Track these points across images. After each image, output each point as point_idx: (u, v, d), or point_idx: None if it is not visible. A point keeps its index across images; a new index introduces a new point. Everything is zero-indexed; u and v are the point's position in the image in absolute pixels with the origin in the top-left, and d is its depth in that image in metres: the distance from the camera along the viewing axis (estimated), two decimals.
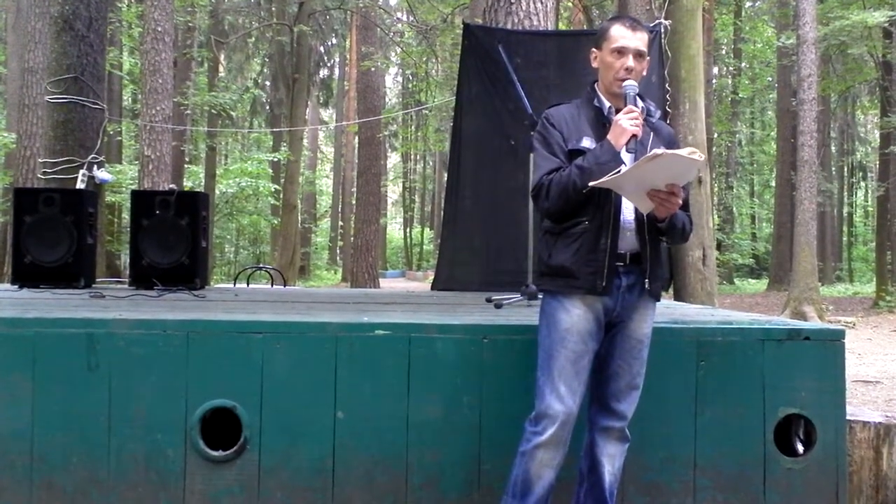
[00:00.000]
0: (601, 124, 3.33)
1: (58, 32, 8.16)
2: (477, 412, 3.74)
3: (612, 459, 3.38)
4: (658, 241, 3.36)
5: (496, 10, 7.53)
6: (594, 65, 3.45)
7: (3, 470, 3.67)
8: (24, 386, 3.68)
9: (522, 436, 3.33)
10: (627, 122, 3.15)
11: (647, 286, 3.31)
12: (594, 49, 3.44)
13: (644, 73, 3.38)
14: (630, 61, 3.28)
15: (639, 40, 3.31)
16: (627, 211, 3.28)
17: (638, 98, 3.32)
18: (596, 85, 3.45)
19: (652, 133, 3.36)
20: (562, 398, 3.23)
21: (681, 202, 3.20)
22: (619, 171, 3.06)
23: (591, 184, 3.09)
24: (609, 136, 3.19)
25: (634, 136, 3.16)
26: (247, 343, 3.73)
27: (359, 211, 23.71)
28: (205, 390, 3.70)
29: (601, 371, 3.38)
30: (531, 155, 3.46)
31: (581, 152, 3.25)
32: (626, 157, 3.19)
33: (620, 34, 3.31)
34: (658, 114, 3.48)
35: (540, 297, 3.50)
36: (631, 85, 3.27)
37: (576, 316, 3.26)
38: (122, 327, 3.74)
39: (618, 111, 3.29)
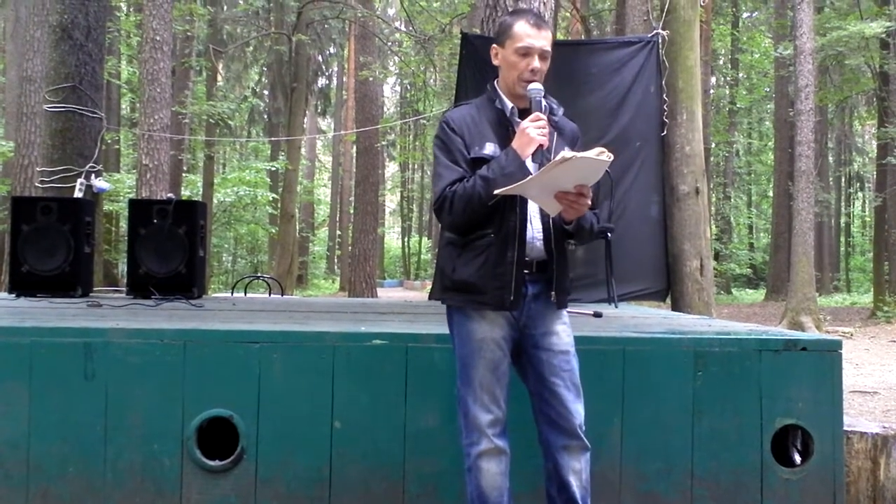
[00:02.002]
0: (504, 127, 3.20)
1: (56, 41, 8.17)
2: None
3: (578, 475, 3.23)
4: (565, 249, 3.25)
5: (494, 20, 7.52)
6: (495, 62, 3.29)
7: None
8: (21, 395, 3.68)
9: (462, 453, 3.25)
10: (535, 132, 3.02)
11: (552, 297, 3.21)
12: (495, 45, 3.28)
13: (545, 71, 3.21)
14: (536, 62, 3.15)
15: (544, 39, 3.17)
16: (535, 219, 3.18)
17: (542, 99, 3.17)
18: (496, 83, 3.31)
19: (556, 134, 3.23)
20: (486, 406, 3.17)
21: (590, 203, 3.06)
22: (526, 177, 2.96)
23: (496, 191, 2.96)
24: (514, 145, 3.06)
25: (541, 146, 3.04)
26: (244, 352, 3.73)
27: (356, 220, 23.72)
28: (202, 400, 3.70)
29: (541, 394, 3.25)
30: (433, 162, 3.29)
31: (484, 160, 3.11)
32: (531, 166, 3.06)
33: (526, 32, 3.16)
34: (561, 111, 3.32)
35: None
36: (537, 89, 3.13)
37: (486, 326, 3.17)
38: (119, 336, 3.73)
39: (521, 112, 3.19)
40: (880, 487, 4.45)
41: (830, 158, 39.31)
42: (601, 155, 2.90)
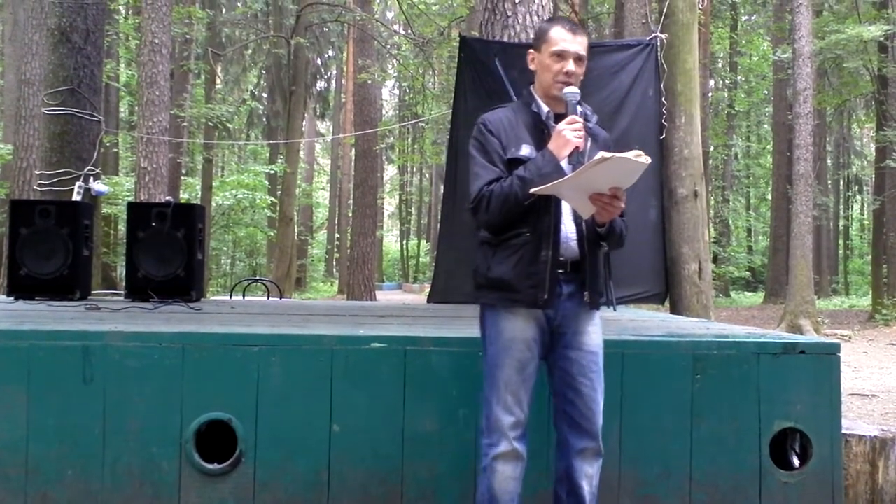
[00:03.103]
0: (539, 129, 3.26)
1: (55, 44, 8.17)
2: (472, 425, 3.73)
3: (590, 480, 3.28)
4: (598, 250, 3.29)
5: (492, 24, 7.54)
6: (531, 67, 3.37)
7: None
8: (19, 398, 3.67)
9: (479, 451, 3.29)
10: (571, 134, 3.09)
11: (585, 297, 3.25)
12: (532, 51, 3.37)
13: (581, 77, 3.29)
14: (570, 65, 3.22)
15: (579, 44, 3.25)
16: (568, 220, 3.23)
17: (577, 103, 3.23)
18: (533, 88, 3.38)
19: (590, 139, 3.27)
20: (509, 408, 3.19)
21: (623, 206, 3.11)
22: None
23: (532, 190, 3.02)
24: (551, 146, 3.12)
25: (577, 147, 3.10)
26: (242, 356, 3.72)
27: (355, 223, 23.71)
28: (200, 403, 3.70)
29: (565, 393, 3.30)
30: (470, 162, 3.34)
31: (520, 161, 3.18)
32: (567, 167, 3.11)
33: (561, 37, 3.24)
34: (595, 118, 3.38)
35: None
36: (573, 92, 3.20)
37: (519, 325, 3.21)
38: (118, 340, 3.73)
39: (557, 116, 3.24)
40: (879, 490, 4.45)
41: (829, 161, 39.36)
42: (639, 157, 2.95)
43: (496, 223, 3.22)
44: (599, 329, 3.36)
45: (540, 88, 3.34)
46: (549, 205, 3.17)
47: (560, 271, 3.20)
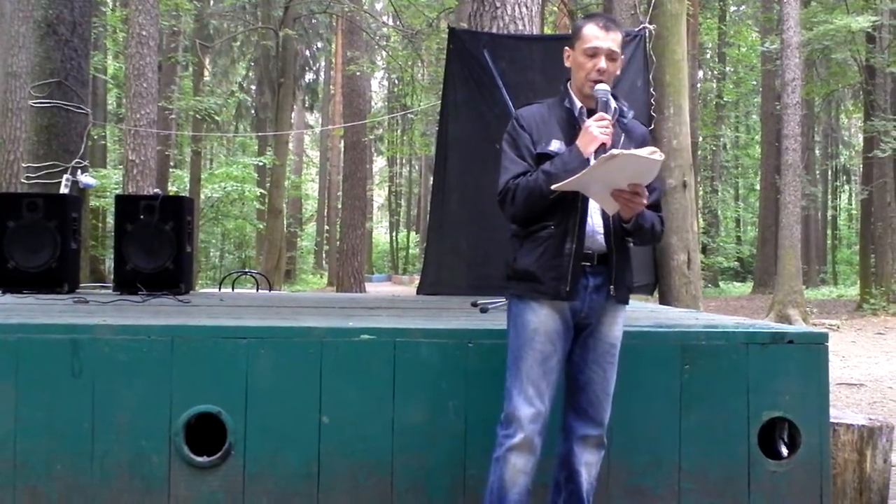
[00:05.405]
0: (571, 126, 3.29)
1: (41, 37, 8.11)
2: (462, 417, 3.74)
3: (589, 468, 3.34)
4: (625, 246, 3.33)
5: (481, 15, 7.53)
6: (567, 64, 3.40)
7: None
8: (7, 392, 3.66)
9: (495, 440, 3.30)
10: (597, 130, 3.12)
11: (611, 291, 3.28)
12: (567, 48, 3.40)
13: (618, 73, 3.34)
14: (602, 62, 3.24)
15: (612, 41, 3.26)
16: (596, 214, 3.26)
17: (611, 98, 3.27)
18: (569, 84, 3.41)
19: (623, 134, 3.30)
20: (530, 399, 3.21)
21: (645, 202, 3.14)
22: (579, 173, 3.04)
23: (553, 186, 3.07)
24: (578, 142, 3.16)
25: (604, 144, 3.12)
26: (232, 348, 3.72)
27: (344, 215, 23.73)
28: (189, 396, 3.69)
29: (576, 378, 3.35)
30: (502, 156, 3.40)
31: (549, 156, 3.23)
32: (594, 163, 3.13)
33: (593, 34, 3.26)
34: (631, 113, 3.42)
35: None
36: (603, 89, 3.22)
37: (543, 316, 3.24)
38: (106, 333, 3.72)
39: (590, 112, 3.27)
40: (867, 479, 4.48)
41: (817, 152, 39.51)
42: (653, 154, 2.99)
43: (521, 216, 3.28)
44: (622, 323, 3.40)
45: (575, 85, 3.36)
46: (577, 200, 3.21)
47: (586, 264, 3.24)
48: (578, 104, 3.34)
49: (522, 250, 3.31)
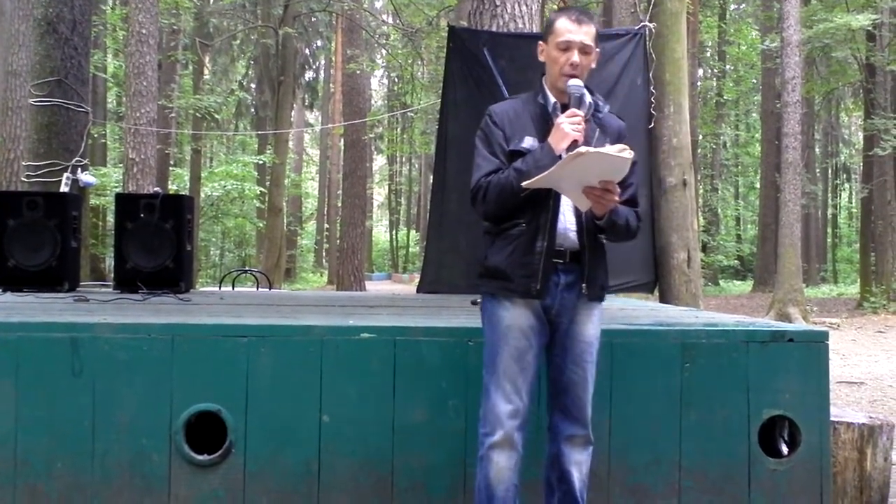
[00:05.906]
0: (545, 122, 3.25)
1: (41, 35, 8.10)
2: (462, 415, 3.74)
3: (579, 466, 3.32)
4: (599, 243, 3.31)
5: (481, 13, 7.52)
6: (541, 58, 3.36)
7: None
8: (8, 391, 3.66)
9: (478, 441, 3.29)
10: (569, 127, 3.07)
11: (583, 289, 3.25)
12: (541, 42, 3.36)
13: (593, 66, 3.30)
14: (575, 56, 3.20)
15: (584, 34, 3.23)
16: (569, 212, 3.23)
17: (586, 93, 3.21)
18: (543, 79, 3.37)
19: (598, 129, 3.27)
20: (508, 396, 3.20)
21: (618, 199, 3.11)
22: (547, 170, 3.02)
23: (524, 184, 3.04)
24: (550, 139, 3.12)
25: (576, 141, 3.07)
26: (232, 347, 3.72)
27: (344, 213, 23.73)
28: (190, 394, 3.69)
29: (558, 380, 3.33)
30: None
31: (521, 153, 3.19)
32: None
33: (566, 28, 3.23)
34: (606, 108, 3.38)
35: None
36: (576, 85, 3.18)
37: (515, 313, 3.22)
38: (107, 331, 3.72)
39: (563, 107, 3.24)
40: (867, 477, 4.48)
41: (817, 150, 39.50)
42: (622, 152, 2.97)
43: (493, 213, 3.26)
44: (598, 321, 3.37)
45: (549, 80, 3.33)
46: (549, 196, 3.18)
47: (558, 261, 3.22)
48: (552, 100, 3.30)
49: (494, 248, 3.29)
